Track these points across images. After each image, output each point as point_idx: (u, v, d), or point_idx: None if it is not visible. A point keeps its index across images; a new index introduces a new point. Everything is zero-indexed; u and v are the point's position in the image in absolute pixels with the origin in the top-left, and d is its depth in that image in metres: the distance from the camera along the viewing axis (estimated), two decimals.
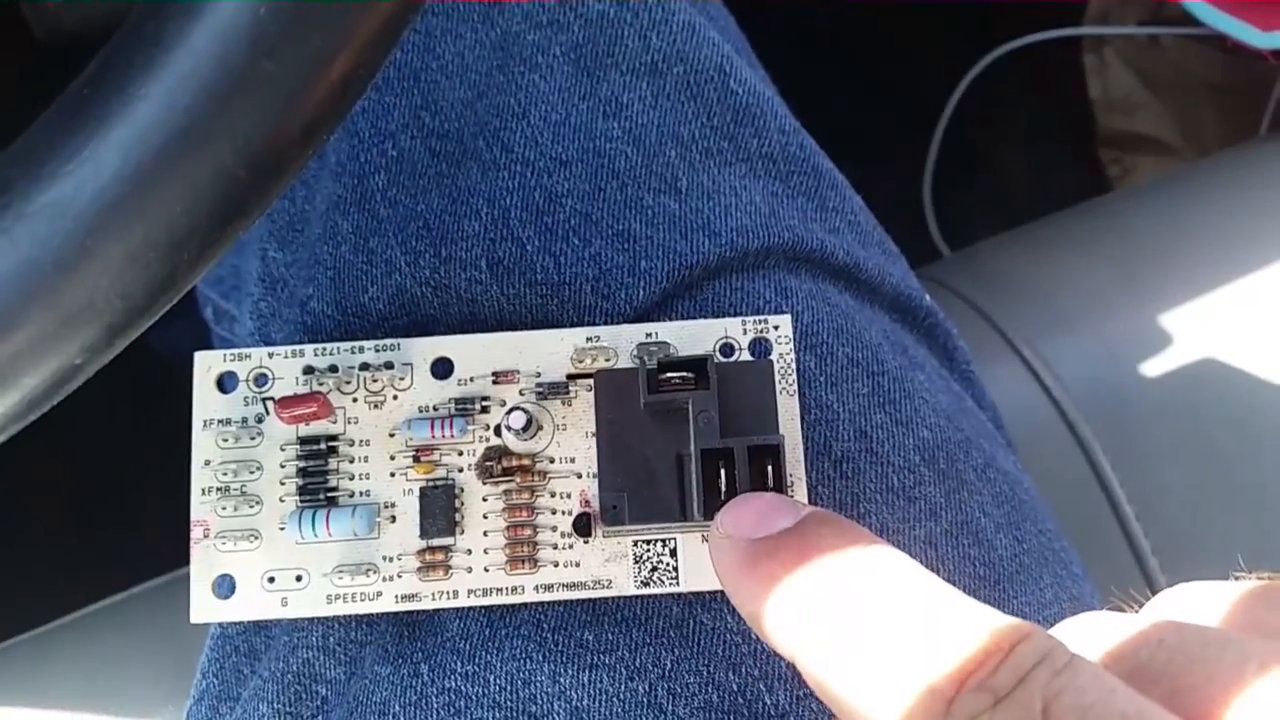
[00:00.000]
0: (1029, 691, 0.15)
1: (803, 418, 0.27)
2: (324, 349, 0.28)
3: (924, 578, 0.18)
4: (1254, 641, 0.16)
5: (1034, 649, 0.16)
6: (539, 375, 0.28)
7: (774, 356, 0.28)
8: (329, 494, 0.27)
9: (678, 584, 0.27)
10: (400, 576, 0.27)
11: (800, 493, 0.27)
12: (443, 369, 0.28)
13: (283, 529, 0.27)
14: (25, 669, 0.43)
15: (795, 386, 0.27)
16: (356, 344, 0.28)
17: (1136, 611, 0.20)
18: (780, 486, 0.25)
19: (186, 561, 0.44)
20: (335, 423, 0.28)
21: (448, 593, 0.27)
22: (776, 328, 0.28)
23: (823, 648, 0.18)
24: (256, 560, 0.27)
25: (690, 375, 0.26)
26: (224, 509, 0.27)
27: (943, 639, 0.16)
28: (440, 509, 0.27)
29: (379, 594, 0.27)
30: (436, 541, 0.27)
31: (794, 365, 0.27)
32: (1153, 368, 0.47)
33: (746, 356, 0.28)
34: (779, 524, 0.20)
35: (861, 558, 0.18)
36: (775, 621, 0.19)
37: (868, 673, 0.17)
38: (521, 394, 0.28)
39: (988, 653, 0.16)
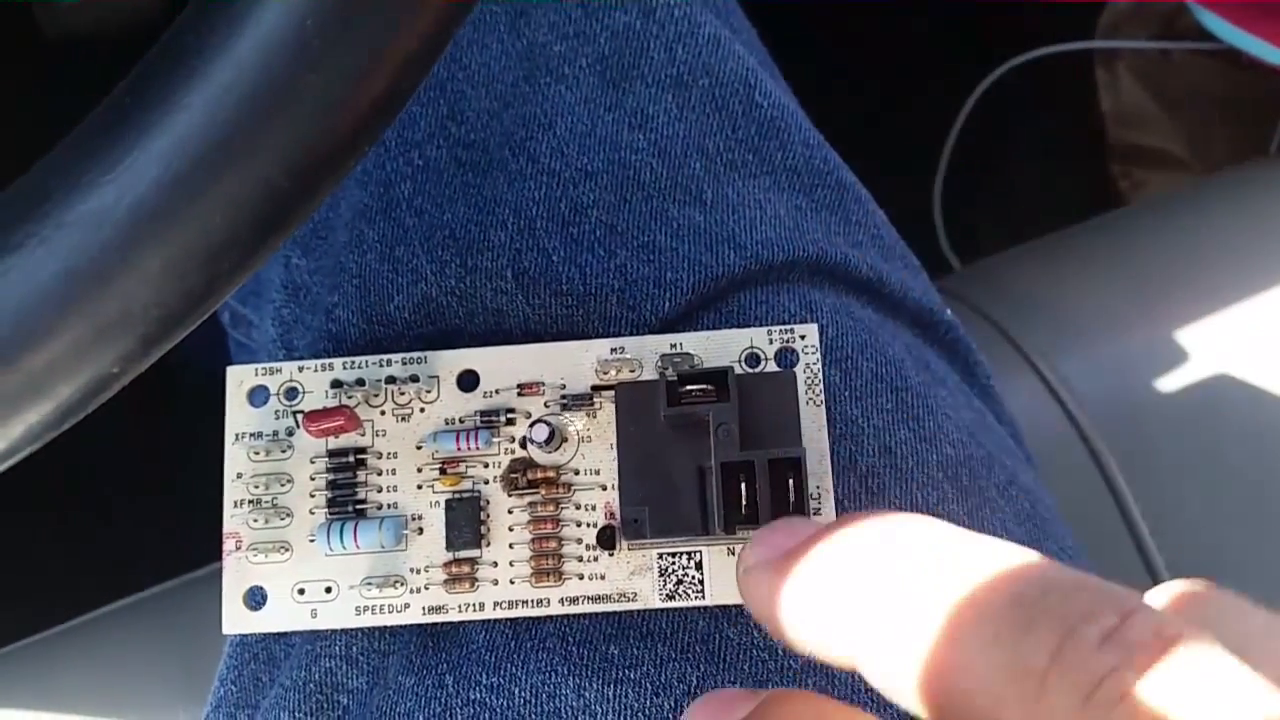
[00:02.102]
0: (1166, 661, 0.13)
1: (828, 431, 0.27)
2: (352, 362, 0.28)
3: (992, 541, 0.15)
4: None
5: (1152, 618, 0.13)
6: (563, 387, 0.28)
7: (800, 366, 0.28)
8: (357, 506, 0.27)
9: (703, 597, 0.27)
10: (427, 589, 0.27)
11: (828, 504, 0.27)
12: (468, 381, 0.28)
13: (312, 541, 0.27)
14: (33, 673, 0.43)
15: (822, 396, 0.27)
16: (383, 357, 0.28)
17: None
18: (802, 500, 0.24)
19: (197, 565, 0.44)
20: (363, 435, 0.28)
21: (474, 605, 0.27)
22: (803, 337, 0.28)
23: (882, 634, 0.15)
24: (287, 572, 0.27)
25: (711, 387, 0.26)
26: (255, 521, 0.27)
27: (1033, 604, 0.14)
28: (466, 521, 0.27)
29: (406, 606, 0.27)
30: (463, 554, 0.27)
31: (820, 374, 0.27)
32: (1168, 383, 0.47)
33: (772, 367, 0.28)
34: (810, 532, 0.17)
35: (913, 530, 0.16)
36: (824, 627, 0.16)
37: (943, 652, 0.14)
38: (546, 406, 0.28)
39: (1088, 617, 0.14)
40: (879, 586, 0.15)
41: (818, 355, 0.28)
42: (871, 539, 0.16)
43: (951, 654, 0.14)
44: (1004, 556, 0.15)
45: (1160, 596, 0.17)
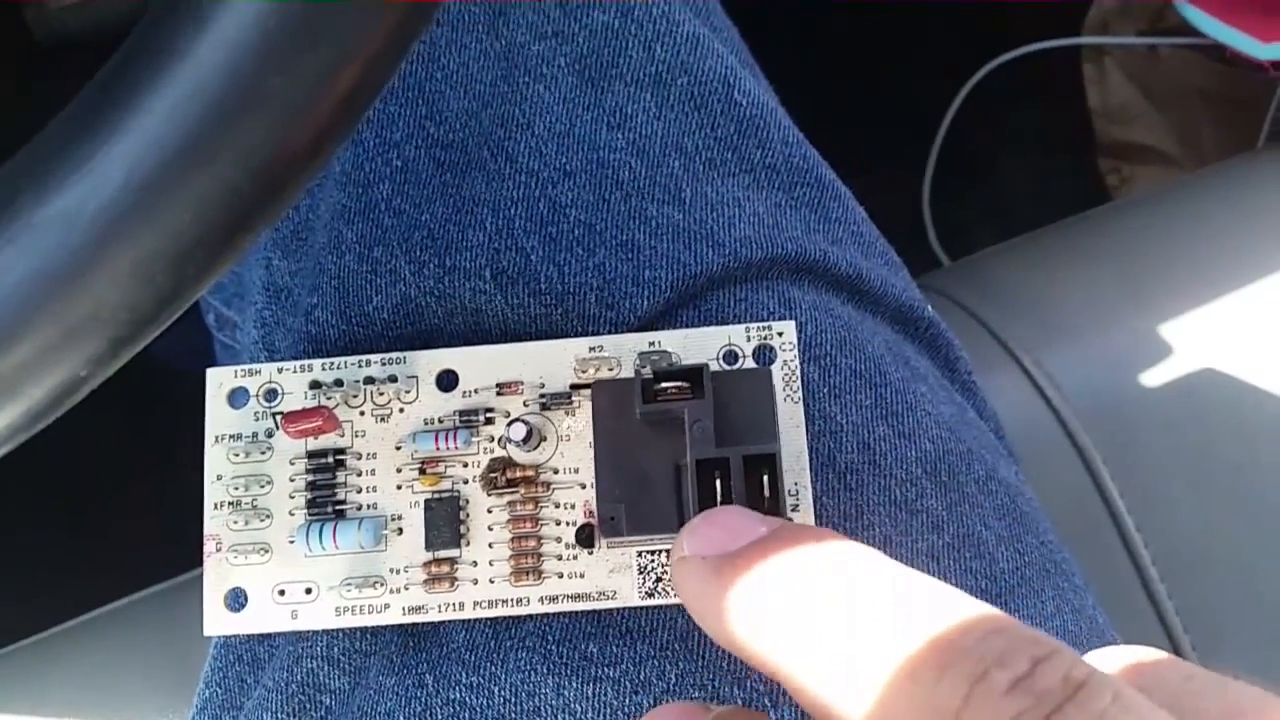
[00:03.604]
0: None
1: (806, 428, 0.27)
2: (330, 363, 0.28)
3: (924, 578, 0.16)
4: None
5: (1062, 665, 0.14)
6: (542, 386, 0.28)
7: (778, 363, 0.28)
8: (337, 507, 0.27)
9: None
10: (407, 589, 0.27)
11: (806, 500, 0.27)
12: (447, 381, 0.28)
13: (292, 542, 0.27)
14: (23, 676, 0.43)
15: (800, 393, 0.27)
16: (362, 358, 0.28)
17: None
18: (777, 495, 0.24)
19: (184, 569, 0.44)
20: (342, 436, 0.28)
21: (454, 604, 0.27)
22: (780, 334, 0.28)
23: (807, 660, 0.16)
24: (267, 573, 0.27)
25: (686, 385, 0.26)
26: (236, 523, 0.27)
27: (950, 646, 0.15)
28: (445, 521, 0.27)
29: (386, 606, 0.27)
30: (442, 553, 0.27)
31: (799, 371, 0.27)
32: (1153, 378, 0.47)
33: (750, 364, 0.28)
34: (752, 534, 0.18)
35: (843, 560, 0.17)
36: (751, 639, 0.17)
37: (867, 679, 0.15)
38: (525, 405, 0.28)
39: (1000, 662, 0.14)
40: (809, 616, 0.16)
41: (795, 352, 0.28)
42: (807, 564, 0.17)
43: (873, 688, 0.15)
44: (930, 595, 0.16)
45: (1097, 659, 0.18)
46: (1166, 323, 0.48)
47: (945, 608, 0.15)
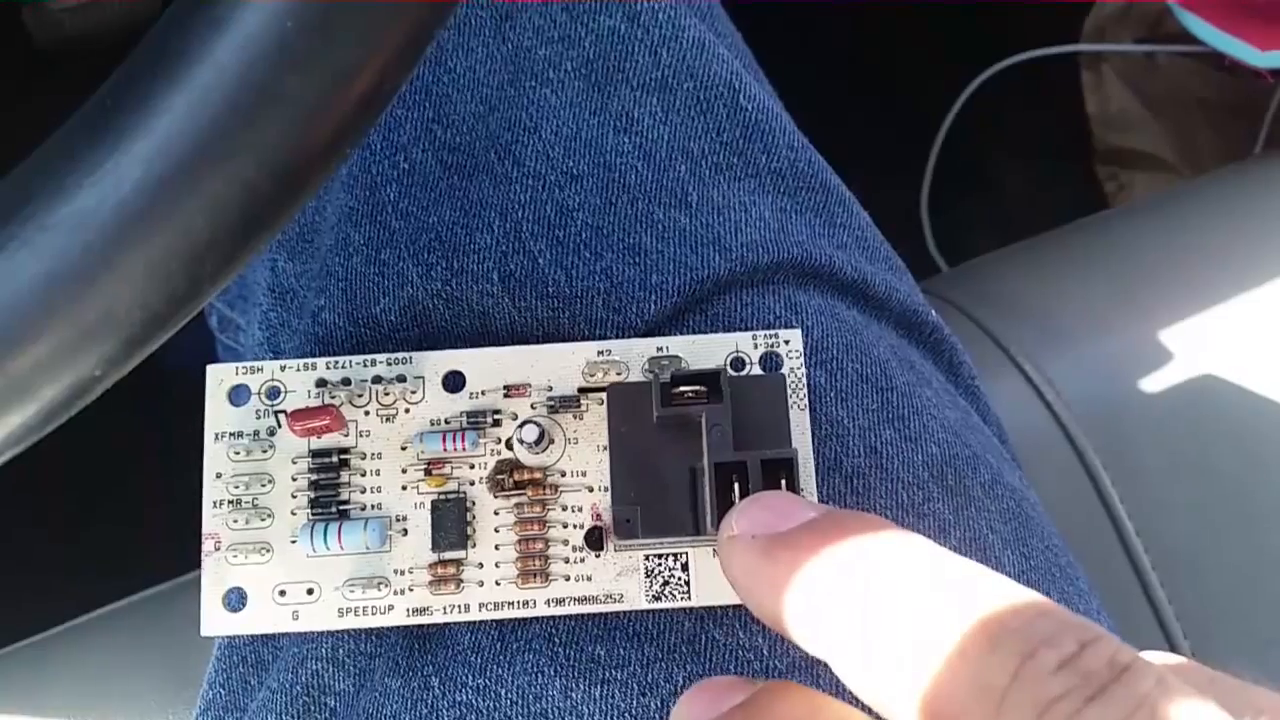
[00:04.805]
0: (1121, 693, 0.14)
1: (813, 433, 0.27)
2: (336, 362, 0.28)
3: (972, 563, 0.17)
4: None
5: (1108, 648, 0.15)
6: (550, 389, 0.28)
7: (785, 370, 0.28)
8: (340, 507, 0.27)
9: (689, 598, 0.27)
10: (412, 590, 0.27)
11: None
12: (454, 382, 0.28)
13: (294, 542, 0.27)
14: (24, 677, 0.42)
15: (806, 400, 0.27)
16: (368, 357, 0.28)
17: None
18: None
19: (186, 569, 0.44)
20: (347, 436, 0.28)
21: (459, 606, 0.27)
22: (787, 342, 0.28)
23: (859, 638, 0.16)
24: (268, 573, 0.27)
25: (703, 389, 0.26)
26: (235, 522, 0.27)
27: (999, 626, 0.15)
28: (452, 522, 0.27)
29: (390, 608, 0.27)
30: (448, 555, 0.27)
31: (804, 379, 0.28)
32: (1153, 384, 0.47)
33: (757, 370, 0.28)
34: (802, 517, 0.19)
35: (894, 544, 0.17)
36: (802, 617, 0.17)
37: (913, 662, 0.15)
38: (533, 407, 0.28)
39: (1049, 643, 0.15)
40: (861, 596, 0.17)
41: (801, 360, 0.28)
42: (859, 546, 0.17)
43: (924, 666, 0.15)
44: (979, 579, 0.16)
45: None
46: (1166, 328, 0.48)
47: (994, 591, 0.16)
